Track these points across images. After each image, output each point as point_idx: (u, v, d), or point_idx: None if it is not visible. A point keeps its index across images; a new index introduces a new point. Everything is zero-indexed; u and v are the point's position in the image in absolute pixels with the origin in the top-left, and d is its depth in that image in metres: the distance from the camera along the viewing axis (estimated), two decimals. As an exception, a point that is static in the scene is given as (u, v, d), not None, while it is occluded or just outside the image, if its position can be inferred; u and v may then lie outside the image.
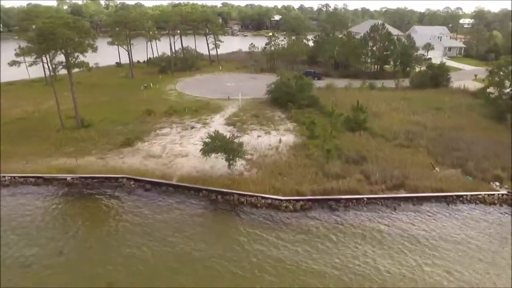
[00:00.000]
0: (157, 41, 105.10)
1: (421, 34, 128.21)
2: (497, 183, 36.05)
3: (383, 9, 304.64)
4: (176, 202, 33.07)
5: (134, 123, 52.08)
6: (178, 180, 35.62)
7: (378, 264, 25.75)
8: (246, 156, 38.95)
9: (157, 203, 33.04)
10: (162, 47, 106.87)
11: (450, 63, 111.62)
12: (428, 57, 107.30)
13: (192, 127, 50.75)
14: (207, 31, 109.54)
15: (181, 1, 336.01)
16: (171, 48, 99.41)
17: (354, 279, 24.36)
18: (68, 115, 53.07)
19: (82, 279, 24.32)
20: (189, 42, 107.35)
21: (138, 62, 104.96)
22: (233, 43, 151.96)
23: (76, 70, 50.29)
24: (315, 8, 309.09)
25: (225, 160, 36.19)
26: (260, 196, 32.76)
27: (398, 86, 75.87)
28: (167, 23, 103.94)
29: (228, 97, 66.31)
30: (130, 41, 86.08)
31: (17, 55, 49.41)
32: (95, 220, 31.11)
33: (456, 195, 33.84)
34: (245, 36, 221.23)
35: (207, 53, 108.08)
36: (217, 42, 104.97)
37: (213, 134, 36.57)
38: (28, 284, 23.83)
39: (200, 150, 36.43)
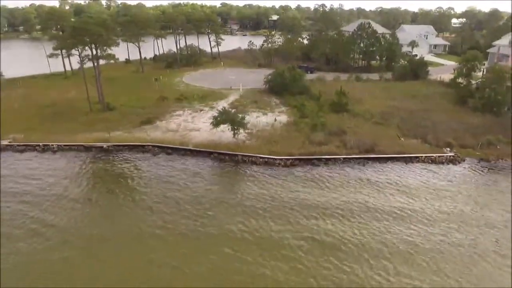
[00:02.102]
0: (162, 39, 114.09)
1: (408, 32, 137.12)
2: (448, 149, 45.15)
3: (378, 9, 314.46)
4: (193, 160, 42.20)
5: (150, 107, 60.83)
6: (194, 146, 44.65)
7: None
8: (247, 130, 47.99)
9: (178, 161, 42.15)
10: (166, 45, 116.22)
11: (435, 59, 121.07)
12: (414, 53, 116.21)
13: (201, 110, 59.70)
14: (209, 31, 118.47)
15: (181, 1, 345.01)
16: (176, 46, 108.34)
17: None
18: (93, 101, 61.78)
19: (128, 208, 33.19)
20: (192, 40, 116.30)
21: (145, 58, 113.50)
22: (233, 42, 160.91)
23: (102, 62, 58.98)
24: (312, 8, 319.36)
25: (231, 129, 45.23)
26: (259, 156, 41.87)
27: (382, 79, 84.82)
28: (173, 22, 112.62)
29: (231, 87, 75.20)
30: (140, 38, 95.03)
31: (54, 49, 58.09)
32: (131, 172, 40.04)
33: (413, 156, 42.90)
34: (244, 35, 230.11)
35: (209, 50, 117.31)
36: (218, 40, 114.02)
37: (221, 110, 45.56)
38: (90, 212, 32.70)
39: (211, 123, 45.45)
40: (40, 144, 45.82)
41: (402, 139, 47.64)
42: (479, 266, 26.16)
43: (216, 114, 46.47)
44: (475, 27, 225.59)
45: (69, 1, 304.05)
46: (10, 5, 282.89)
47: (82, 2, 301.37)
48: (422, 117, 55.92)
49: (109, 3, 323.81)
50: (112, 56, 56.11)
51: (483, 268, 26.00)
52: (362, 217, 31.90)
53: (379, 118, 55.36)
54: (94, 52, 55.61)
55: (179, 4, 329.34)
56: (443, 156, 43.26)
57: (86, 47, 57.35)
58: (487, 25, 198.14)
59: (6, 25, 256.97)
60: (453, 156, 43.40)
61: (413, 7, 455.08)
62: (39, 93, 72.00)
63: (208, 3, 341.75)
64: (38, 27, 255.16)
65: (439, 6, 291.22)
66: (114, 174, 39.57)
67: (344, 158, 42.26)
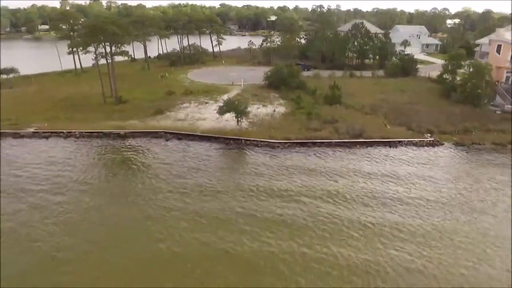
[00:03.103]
0: (166, 39, 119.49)
1: (402, 32, 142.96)
2: (429, 134, 50.61)
3: (375, 10, 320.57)
4: (202, 144, 47.70)
5: (159, 101, 66.00)
6: (201, 132, 49.99)
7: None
8: (249, 119, 53.33)
9: (189, 144, 47.63)
10: (169, 44, 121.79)
11: (427, 58, 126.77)
12: (406, 52, 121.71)
13: (206, 103, 65.06)
14: (211, 30, 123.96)
15: (181, 2, 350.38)
16: (180, 45, 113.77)
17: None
18: (106, 95, 66.94)
19: (155, 177, 38.45)
20: (194, 40, 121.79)
21: (149, 57, 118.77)
22: (232, 42, 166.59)
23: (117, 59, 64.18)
24: (310, 9, 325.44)
25: (235, 117, 50.58)
26: (260, 140, 47.25)
27: (374, 75, 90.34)
28: (176, 22, 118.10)
29: (232, 82, 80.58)
30: (146, 38, 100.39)
31: (69, 46, 63.31)
32: (150, 152, 45.46)
33: (397, 141, 48.33)
34: (243, 35, 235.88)
35: (211, 49, 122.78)
36: (219, 40, 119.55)
37: (226, 101, 50.95)
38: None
39: (217, 112, 50.87)
40: (64, 131, 51.06)
41: (388, 126, 53.06)
42: (448, 216, 32.36)
43: (221, 105, 51.83)
44: (469, 27, 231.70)
45: (70, 1, 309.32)
46: (12, 6, 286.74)
47: (83, 3, 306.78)
48: (408, 108, 61.36)
49: (109, 4, 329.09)
50: (126, 53, 61.34)
51: (450, 218, 32.17)
52: (353, 177, 38.98)
53: (369, 109, 60.73)
54: (109, 50, 60.66)
55: (179, 5, 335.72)
56: (423, 140, 48.75)
57: (101, 45, 62.58)
58: (478, 25, 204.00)
59: (8, 26, 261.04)
60: (432, 140, 48.88)
61: (409, 8, 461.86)
62: (53, 88, 77.26)
63: (207, 4, 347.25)
64: (41, 27, 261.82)
65: (434, 7, 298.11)
66: (134, 153, 45.05)
67: (336, 142, 47.67)
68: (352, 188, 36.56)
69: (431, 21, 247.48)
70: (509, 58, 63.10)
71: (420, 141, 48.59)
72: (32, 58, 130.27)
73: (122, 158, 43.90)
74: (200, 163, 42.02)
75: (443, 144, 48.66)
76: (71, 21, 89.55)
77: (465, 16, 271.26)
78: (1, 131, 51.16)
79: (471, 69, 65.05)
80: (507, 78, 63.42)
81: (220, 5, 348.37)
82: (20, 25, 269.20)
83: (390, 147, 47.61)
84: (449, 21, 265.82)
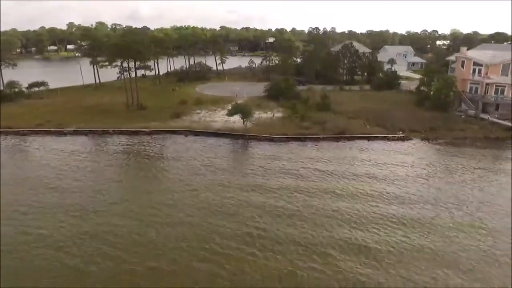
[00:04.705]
0: (174, 57, 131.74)
1: (390, 52, 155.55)
2: (401, 132, 61.37)
3: (368, 31, 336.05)
4: (215, 139, 58.49)
5: (175, 108, 76.86)
6: (214, 130, 60.67)
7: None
8: (252, 121, 64.17)
9: (204, 139, 58.38)
10: (176, 63, 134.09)
11: (412, 75, 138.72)
12: (393, 70, 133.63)
13: (215, 110, 76.10)
14: (215, 50, 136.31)
15: (182, 25, 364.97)
16: (187, 63, 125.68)
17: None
18: (128, 104, 77.84)
19: (179, 161, 48.90)
20: (199, 59, 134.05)
21: (159, 74, 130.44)
22: (233, 62, 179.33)
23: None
24: (306, 31, 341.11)
25: (241, 118, 61.42)
26: (262, 136, 57.96)
27: (362, 89, 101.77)
28: (184, 43, 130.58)
29: (236, 95, 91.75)
30: (158, 57, 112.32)
31: (90, 63, 74.48)
32: (171, 144, 55.99)
33: (374, 136, 59.10)
34: (243, 56, 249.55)
35: (215, 67, 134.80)
36: (223, 59, 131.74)
37: (233, 104, 61.92)
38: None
39: (226, 114, 61.76)
40: (99, 129, 61.73)
41: (368, 126, 63.90)
42: (413, 182, 43.48)
43: (229, 108, 62.77)
44: (458, 47, 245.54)
45: (76, 24, 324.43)
46: (21, 28, 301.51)
47: (88, 25, 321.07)
48: (386, 114, 72.15)
49: (114, 26, 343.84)
50: (148, 67, 72.64)
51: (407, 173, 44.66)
52: (335, 151, 52.20)
53: (353, 114, 71.63)
54: (132, 65, 71.97)
55: (181, 27, 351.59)
56: (396, 136, 59.57)
57: (125, 61, 74.01)
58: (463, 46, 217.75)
59: (19, 47, 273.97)
60: (403, 136, 59.69)
61: (401, 29, 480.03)
62: (79, 99, 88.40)
63: (208, 26, 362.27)
64: (49, 47, 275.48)
65: (424, 29, 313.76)
66: (160, 145, 55.81)
67: (323, 137, 58.45)
68: (337, 156, 50.58)
69: (421, 42, 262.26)
70: (471, 72, 74.50)
71: (392, 136, 59.41)
72: (50, 75, 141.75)
73: (152, 146, 54.92)
74: (216, 150, 53.11)
75: (412, 139, 59.44)
76: (93, 41, 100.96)
77: (454, 37, 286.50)
78: (46, 129, 62.10)
79: (440, 81, 76.31)
80: (471, 88, 74.59)
81: (220, 27, 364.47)
82: (31, 46, 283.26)
83: (368, 140, 58.39)
84: (438, 42, 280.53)
